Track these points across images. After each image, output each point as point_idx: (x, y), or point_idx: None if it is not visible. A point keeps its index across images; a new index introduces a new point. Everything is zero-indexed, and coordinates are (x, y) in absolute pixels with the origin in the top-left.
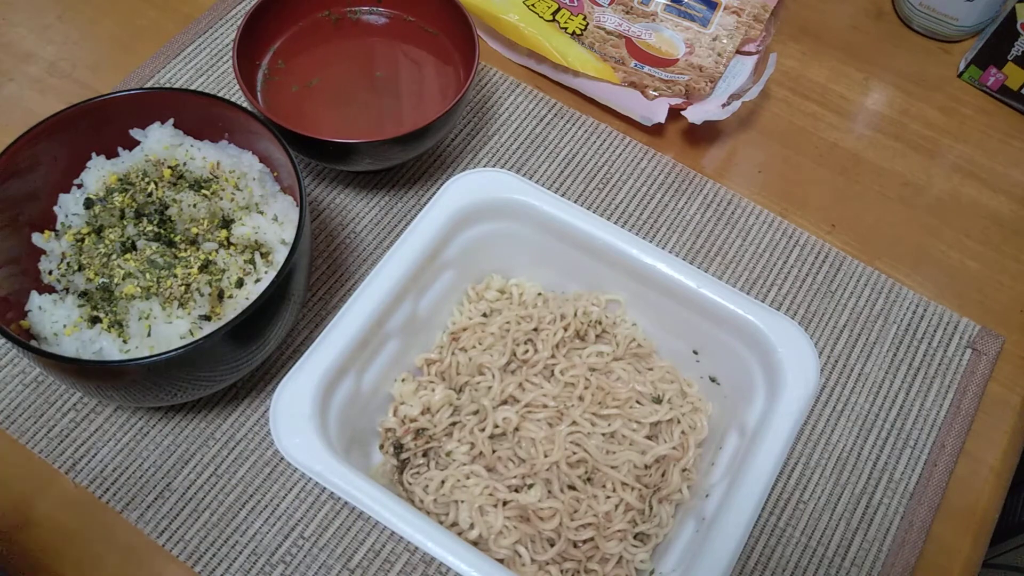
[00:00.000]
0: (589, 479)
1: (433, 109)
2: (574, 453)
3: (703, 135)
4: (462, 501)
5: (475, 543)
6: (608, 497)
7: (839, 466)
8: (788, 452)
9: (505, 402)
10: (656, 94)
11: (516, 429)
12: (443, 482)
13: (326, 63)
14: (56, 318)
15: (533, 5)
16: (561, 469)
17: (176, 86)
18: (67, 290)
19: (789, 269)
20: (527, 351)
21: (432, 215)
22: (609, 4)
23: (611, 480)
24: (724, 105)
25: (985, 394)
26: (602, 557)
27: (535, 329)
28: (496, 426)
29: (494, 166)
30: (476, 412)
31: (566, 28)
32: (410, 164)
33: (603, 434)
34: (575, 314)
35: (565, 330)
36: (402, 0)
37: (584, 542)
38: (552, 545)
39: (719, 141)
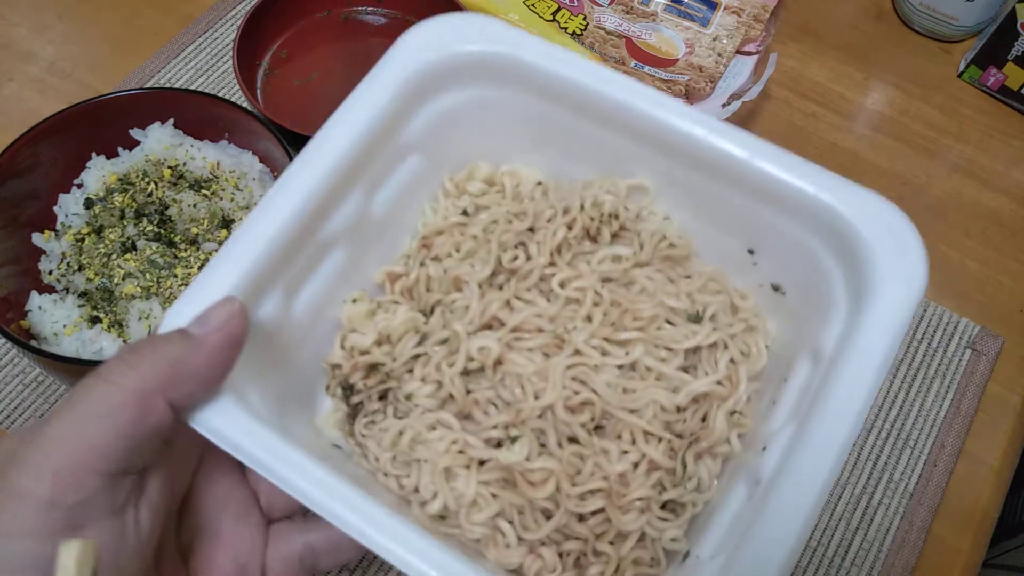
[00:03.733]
0: (598, 428)
1: None
2: (576, 393)
3: None
4: (425, 460)
5: (441, 517)
6: (625, 452)
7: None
8: (887, 384)
9: (489, 326)
10: None
11: (498, 362)
12: (401, 433)
13: (326, 63)
14: (56, 318)
15: (533, 5)
16: (558, 415)
17: (176, 86)
18: (67, 290)
19: None
20: (517, 258)
21: (382, 79)
22: (609, 4)
23: (629, 429)
24: (724, 105)
25: (985, 394)
26: (617, 534)
27: (530, 229)
28: (471, 359)
29: None
30: (446, 341)
31: (566, 28)
32: None
33: (618, 366)
34: (582, 207)
35: (569, 228)
36: (402, 0)
37: (592, 514)
38: (548, 518)
39: None
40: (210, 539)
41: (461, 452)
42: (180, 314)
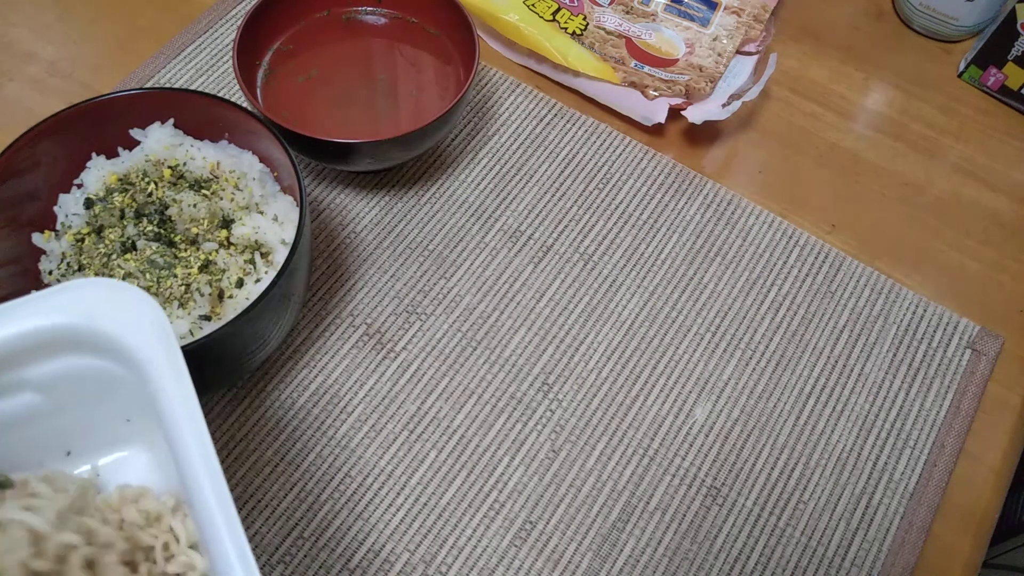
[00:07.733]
0: None
1: (433, 109)
2: None
3: (703, 135)
4: None
5: None
6: None
7: (839, 466)
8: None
9: None
10: (656, 94)
11: None
12: None
13: (326, 63)
14: None
15: (533, 5)
16: None
17: (176, 86)
18: None
19: (789, 269)
20: None
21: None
22: (609, 4)
23: None
24: (724, 105)
25: (985, 394)
26: None
27: None
28: None
29: (494, 166)
30: None
31: (566, 28)
32: (410, 164)
33: None
34: None
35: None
36: (402, 0)
37: None
38: None
39: (719, 141)
40: None
41: None
42: None
